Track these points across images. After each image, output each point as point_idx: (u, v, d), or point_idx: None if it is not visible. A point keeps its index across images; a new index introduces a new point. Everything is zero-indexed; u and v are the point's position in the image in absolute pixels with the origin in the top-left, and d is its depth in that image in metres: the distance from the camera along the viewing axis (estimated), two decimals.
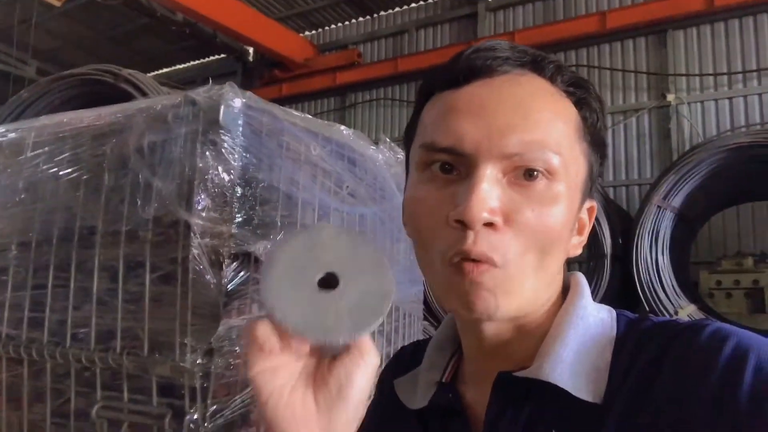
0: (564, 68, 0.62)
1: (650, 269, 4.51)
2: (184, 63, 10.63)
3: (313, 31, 9.48)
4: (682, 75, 6.61)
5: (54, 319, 1.56)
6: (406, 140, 0.68)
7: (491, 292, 0.56)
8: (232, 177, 1.36)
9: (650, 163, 6.65)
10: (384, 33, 8.89)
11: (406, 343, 0.92)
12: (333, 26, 9.36)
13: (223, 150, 1.34)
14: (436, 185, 0.59)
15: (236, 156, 1.37)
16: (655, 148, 6.67)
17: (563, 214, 0.58)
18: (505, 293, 0.57)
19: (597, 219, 4.81)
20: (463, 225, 0.55)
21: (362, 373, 0.53)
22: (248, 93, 1.42)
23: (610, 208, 4.98)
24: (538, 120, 0.57)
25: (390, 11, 8.88)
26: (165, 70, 10.69)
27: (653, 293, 4.47)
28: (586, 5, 7.35)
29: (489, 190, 0.55)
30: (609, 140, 6.73)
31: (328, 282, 0.53)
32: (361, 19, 9.11)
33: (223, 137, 1.34)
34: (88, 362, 1.46)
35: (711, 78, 6.49)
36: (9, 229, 1.65)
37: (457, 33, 8.33)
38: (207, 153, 1.34)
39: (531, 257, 0.57)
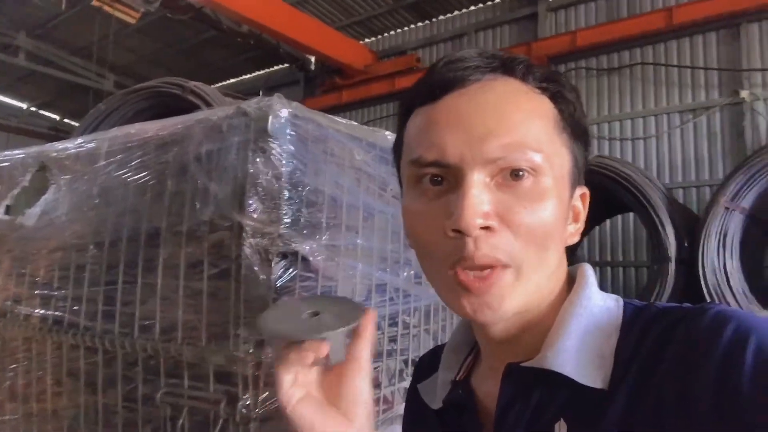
0: (534, 66, 0.63)
1: (718, 273, 4.33)
2: (249, 73, 11.02)
3: (373, 38, 9.61)
4: (757, 70, 6.29)
5: (124, 312, 1.72)
6: (395, 156, 0.70)
7: (498, 297, 0.58)
8: (280, 181, 1.46)
9: (722, 162, 6.36)
10: (443, 37, 8.89)
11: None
12: (392, 32, 9.44)
13: (271, 156, 1.44)
14: (429, 197, 0.61)
15: (284, 162, 1.46)
16: (728, 147, 6.38)
17: (554, 206, 0.59)
18: (511, 294, 0.59)
19: (660, 221, 4.66)
20: (461, 233, 0.56)
21: (361, 378, 0.64)
22: (294, 103, 1.51)
23: (674, 209, 4.80)
24: (515, 121, 0.58)
25: (449, 15, 8.87)
26: (231, 80, 11.12)
27: (721, 298, 4.28)
28: (651, 1, 7.11)
29: (479, 196, 0.56)
30: (677, 140, 6.57)
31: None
32: (419, 24, 9.15)
33: (271, 145, 1.44)
34: (153, 352, 1.60)
35: None
36: (86, 230, 1.83)
37: (517, 34, 8.21)
38: (257, 159, 1.45)
39: (532, 252, 0.58)
